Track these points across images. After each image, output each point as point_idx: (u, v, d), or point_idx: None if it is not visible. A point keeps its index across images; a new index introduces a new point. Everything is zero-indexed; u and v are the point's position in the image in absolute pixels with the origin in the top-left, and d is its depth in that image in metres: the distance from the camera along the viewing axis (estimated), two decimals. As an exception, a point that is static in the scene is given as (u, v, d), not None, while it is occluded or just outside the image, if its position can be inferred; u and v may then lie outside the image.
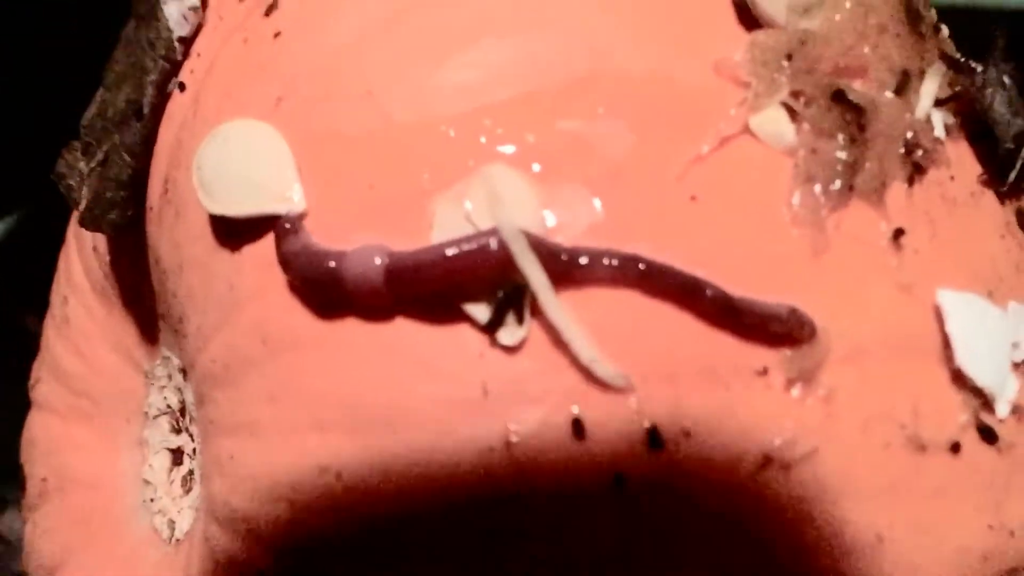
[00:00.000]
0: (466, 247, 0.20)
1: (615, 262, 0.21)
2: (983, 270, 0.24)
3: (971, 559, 0.23)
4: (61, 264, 0.35)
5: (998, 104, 0.27)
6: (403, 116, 0.23)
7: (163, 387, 0.31)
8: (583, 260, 0.21)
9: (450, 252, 0.20)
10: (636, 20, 0.24)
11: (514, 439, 0.21)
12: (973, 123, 0.26)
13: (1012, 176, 0.26)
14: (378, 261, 0.21)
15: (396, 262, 0.21)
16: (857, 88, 0.24)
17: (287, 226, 0.22)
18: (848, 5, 0.25)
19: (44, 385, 0.34)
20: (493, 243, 0.20)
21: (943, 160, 0.25)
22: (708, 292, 0.21)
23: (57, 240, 0.52)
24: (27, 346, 0.53)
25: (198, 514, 0.28)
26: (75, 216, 0.34)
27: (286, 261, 0.23)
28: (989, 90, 0.27)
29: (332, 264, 0.21)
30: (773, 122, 0.23)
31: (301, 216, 0.23)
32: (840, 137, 0.23)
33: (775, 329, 0.21)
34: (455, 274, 0.21)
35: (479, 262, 0.20)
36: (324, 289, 0.22)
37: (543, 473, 0.21)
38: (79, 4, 0.45)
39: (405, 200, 0.22)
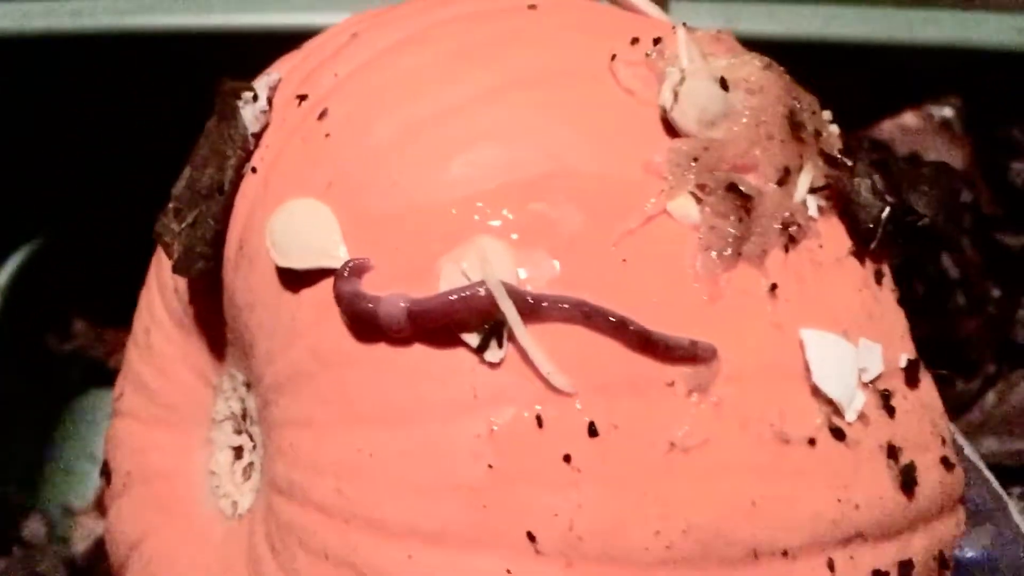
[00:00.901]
0: (464, 294, 0.28)
1: (566, 305, 0.28)
2: (840, 315, 0.31)
3: (823, 523, 0.28)
4: (143, 302, 0.41)
5: (864, 191, 0.34)
6: (420, 200, 0.30)
7: (228, 397, 0.37)
8: (544, 303, 0.28)
9: (453, 297, 0.28)
10: (585, 130, 0.30)
11: (495, 428, 0.28)
12: (843, 204, 0.33)
13: (872, 245, 0.34)
14: (402, 305, 0.28)
15: (415, 307, 0.28)
16: (749, 180, 0.31)
17: (345, 273, 0.29)
18: (744, 120, 0.31)
19: (127, 397, 0.40)
20: (482, 291, 0.28)
21: (814, 233, 0.31)
22: (631, 327, 0.28)
23: (71, 267, 0.55)
24: (46, 363, 0.56)
25: (258, 494, 0.34)
26: (155, 265, 0.40)
27: (339, 297, 0.29)
28: (856, 179, 0.34)
29: (370, 305, 0.29)
30: (684, 206, 0.30)
31: (353, 267, 0.29)
32: (732, 217, 0.30)
33: (679, 354, 0.28)
34: (456, 313, 0.28)
35: (473, 304, 0.28)
36: (363, 322, 0.29)
37: (515, 452, 0.28)
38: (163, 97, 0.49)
39: (420, 260, 0.29)
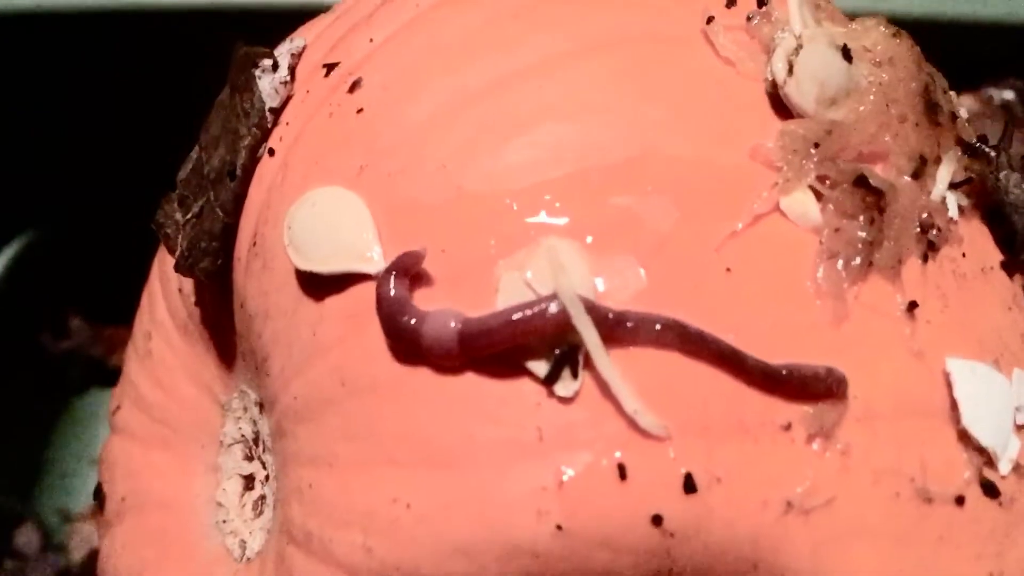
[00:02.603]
0: (529, 312, 0.23)
1: (659, 326, 0.23)
2: (990, 340, 0.26)
3: None
4: (144, 302, 0.37)
5: (1012, 187, 0.29)
6: (473, 188, 0.25)
7: (239, 418, 0.33)
8: (629, 323, 0.23)
9: (516, 316, 0.23)
10: (677, 107, 0.26)
11: (565, 479, 0.23)
12: (987, 203, 0.28)
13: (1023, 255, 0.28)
14: (453, 325, 0.23)
15: (468, 327, 0.23)
16: (878, 173, 0.26)
17: (391, 274, 0.24)
18: (871, 98, 0.27)
19: (124, 412, 0.36)
20: (553, 307, 0.23)
21: (956, 238, 0.27)
22: (748, 360, 0.23)
23: (67, 260, 0.54)
24: (42, 363, 0.55)
25: (270, 536, 0.30)
26: (159, 260, 0.37)
27: (380, 299, 0.25)
28: (1003, 173, 0.29)
29: (413, 322, 0.24)
30: (801, 203, 0.25)
31: (402, 264, 0.25)
32: (861, 218, 0.25)
33: (815, 388, 0.23)
34: (519, 336, 0.23)
35: (540, 325, 0.23)
36: (404, 340, 0.24)
37: (590, 510, 0.23)
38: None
39: (473, 265, 0.25)
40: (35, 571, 0.50)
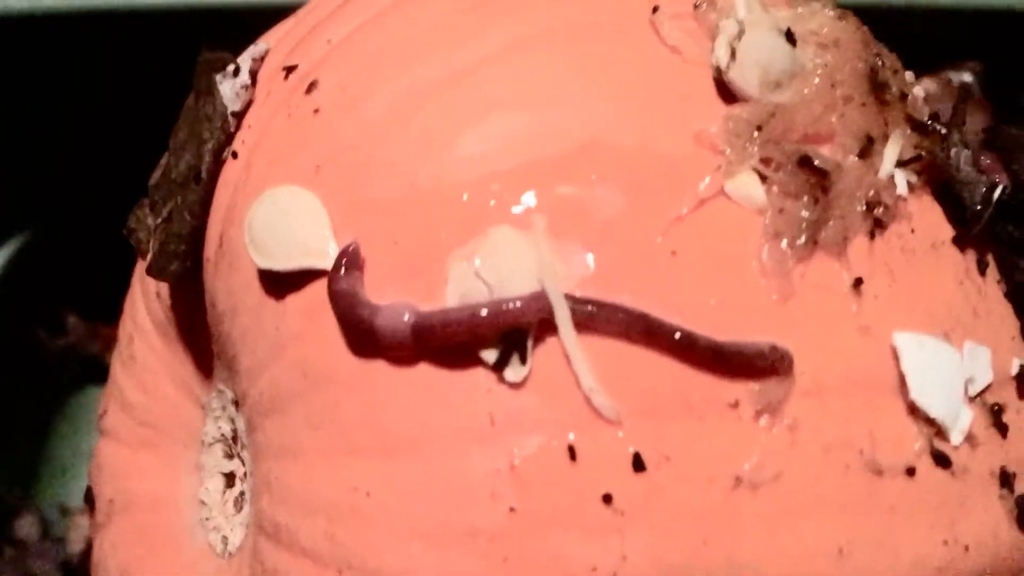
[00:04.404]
0: (492, 310, 0.23)
1: (622, 315, 0.23)
2: (940, 314, 0.26)
3: (926, 571, 0.24)
4: (126, 307, 0.37)
5: (963, 163, 0.29)
6: (424, 182, 0.26)
7: (217, 417, 0.33)
8: (596, 311, 0.23)
9: (483, 313, 0.23)
10: (623, 96, 0.26)
11: (517, 462, 0.23)
12: (938, 180, 0.28)
13: (975, 230, 0.29)
14: (406, 318, 0.24)
15: (422, 320, 0.24)
16: (824, 153, 0.26)
17: (341, 268, 0.25)
18: (816, 80, 0.27)
19: (111, 415, 0.37)
20: (517, 304, 0.23)
21: (904, 215, 0.27)
22: (701, 343, 0.23)
23: (64, 258, 0.54)
24: (38, 358, 0.55)
25: (248, 530, 0.30)
26: (139, 265, 0.37)
27: (335, 297, 0.25)
28: (954, 150, 0.29)
29: (366, 314, 0.24)
30: (745, 186, 0.25)
31: (351, 258, 0.25)
32: (805, 198, 0.25)
33: (760, 365, 0.24)
34: (478, 330, 0.23)
35: (503, 320, 0.23)
36: (359, 334, 0.25)
37: (542, 491, 0.23)
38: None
39: (425, 256, 0.25)
40: (35, 560, 0.51)
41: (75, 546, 0.52)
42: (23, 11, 0.47)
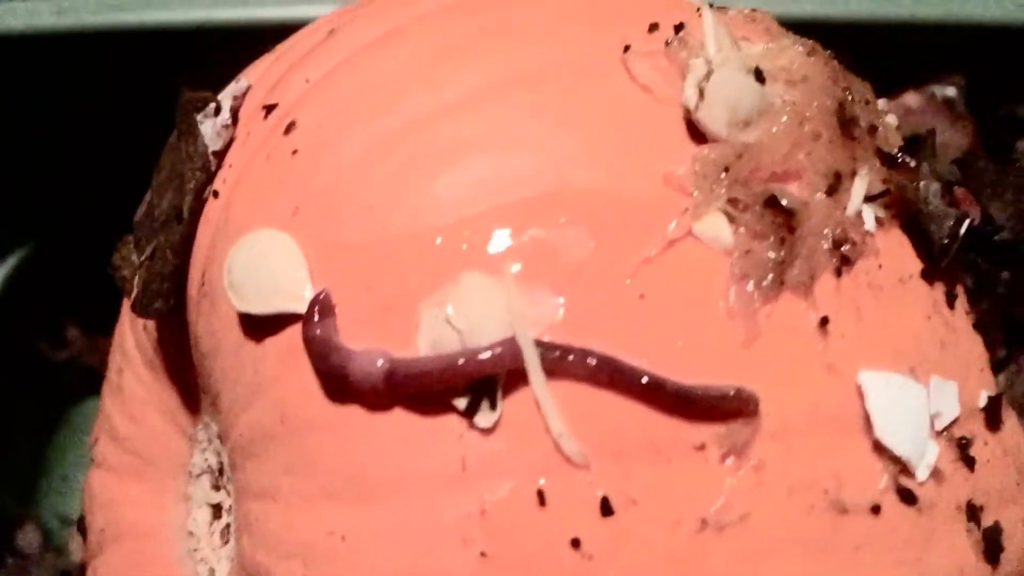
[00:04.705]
0: (468, 359, 0.23)
1: (593, 361, 0.24)
2: (906, 349, 0.26)
3: None
4: (116, 338, 0.38)
5: (932, 196, 0.29)
6: (397, 227, 0.26)
7: (204, 449, 0.34)
8: (570, 357, 0.24)
9: (457, 363, 0.23)
10: (593, 138, 0.26)
11: (487, 507, 0.23)
12: (906, 213, 0.28)
13: (943, 263, 0.29)
14: (380, 364, 0.24)
15: (395, 367, 0.24)
16: (792, 191, 0.26)
17: (314, 315, 0.25)
18: (784, 118, 0.27)
19: (101, 444, 0.37)
20: (488, 353, 0.24)
21: (871, 251, 0.27)
22: (668, 387, 0.24)
23: (65, 271, 0.54)
24: (39, 370, 0.56)
25: (233, 564, 0.31)
26: (127, 299, 0.38)
27: (309, 343, 0.25)
28: (923, 184, 0.29)
29: (339, 360, 0.25)
30: (713, 227, 0.25)
31: (323, 305, 0.25)
32: (771, 238, 0.25)
33: (726, 407, 0.24)
34: (451, 379, 0.24)
35: (478, 368, 0.23)
36: (333, 379, 0.25)
37: (512, 536, 0.23)
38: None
39: (396, 302, 0.25)
40: (36, 570, 0.51)
41: (75, 556, 0.52)
42: (25, 30, 0.48)
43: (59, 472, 0.57)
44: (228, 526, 0.33)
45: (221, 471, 0.33)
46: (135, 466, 0.36)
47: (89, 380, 0.56)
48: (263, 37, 0.36)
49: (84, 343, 0.58)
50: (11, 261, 0.56)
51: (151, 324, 0.34)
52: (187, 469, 0.35)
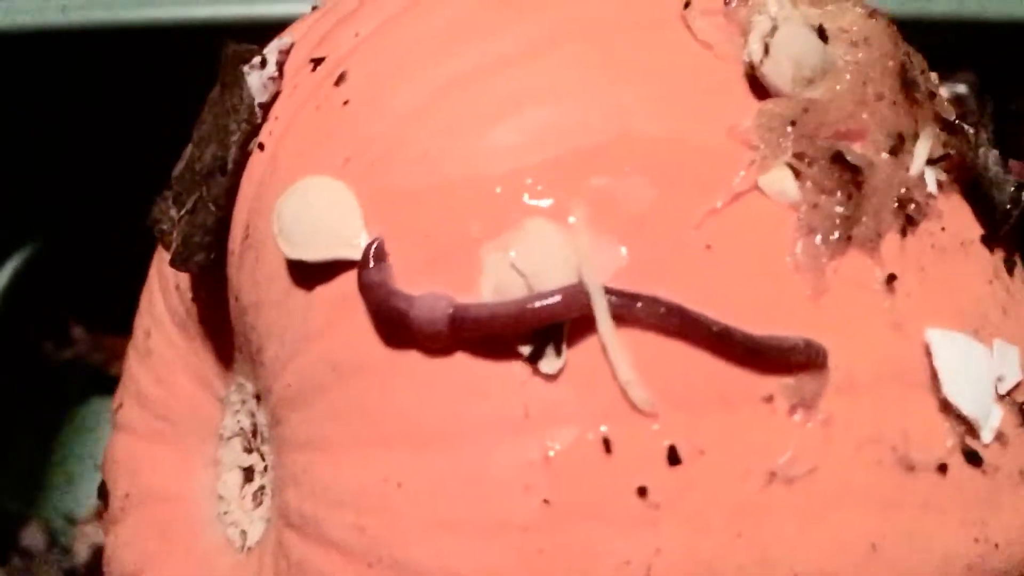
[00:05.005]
0: (536, 304, 0.23)
1: (663, 309, 0.23)
2: (970, 311, 0.26)
3: (957, 568, 0.24)
4: (143, 301, 0.37)
5: (991, 163, 0.29)
6: (455, 174, 0.25)
7: (236, 411, 0.33)
8: (638, 304, 0.23)
9: (536, 304, 0.23)
10: (655, 90, 0.26)
11: (551, 454, 0.23)
12: (966, 179, 0.28)
13: (1004, 229, 0.28)
14: (445, 309, 0.23)
15: (460, 312, 0.23)
16: (856, 150, 0.26)
17: (370, 260, 0.25)
18: (848, 77, 0.27)
19: (127, 409, 0.36)
20: (556, 298, 0.23)
21: (935, 213, 0.27)
22: (736, 337, 0.23)
23: (69, 270, 0.55)
24: (44, 369, 0.56)
25: (269, 524, 0.30)
26: (157, 258, 0.37)
27: (365, 289, 0.25)
28: (982, 150, 0.29)
29: (402, 305, 0.24)
30: (779, 181, 0.25)
31: (379, 250, 0.25)
32: (839, 194, 0.25)
33: (795, 359, 0.24)
34: (520, 323, 0.23)
35: (544, 314, 0.23)
36: (392, 324, 0.24)
37: (576, 484, 0.23)
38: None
39: (456, 248, 0.25)
40: (41, 569, 0.51)
41: (81, 555, 0.53)
42: (28, 27, 0.47)
43: (64, 471, 0.57)
44: (262, 488, 0.32)
45: (254, 433, 0.33)
46: (162, 430, 0.35)
47: (93, 379, 0.58)
48: (272, 34, 0.35)
49: (88, 342, 0.58)
50: (15, 260, 0.56)
51: (184, 284, 0.34)
52: (217, 432, 0.34)
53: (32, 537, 0.52)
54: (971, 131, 0.29)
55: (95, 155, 0.51)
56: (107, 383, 0.56)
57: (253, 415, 0.33)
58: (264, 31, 0.35)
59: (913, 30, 0.44)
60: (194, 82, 0.32)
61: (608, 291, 0.23)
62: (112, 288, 0.43)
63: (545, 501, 0.23)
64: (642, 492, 0.23)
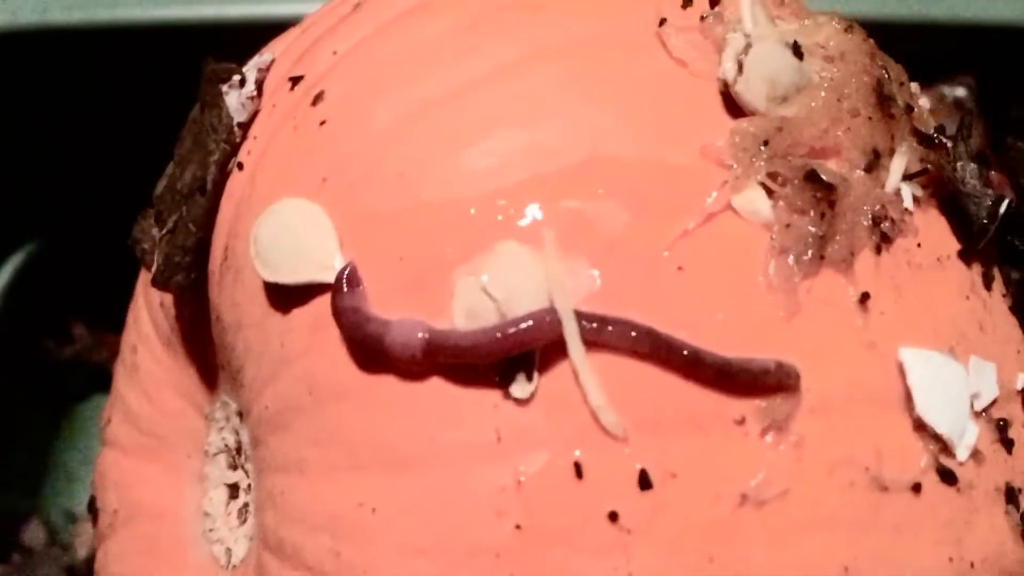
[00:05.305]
0: (524, 326, 0.23)
1: (634, 333, 0.23)
2: (945, 328, 0.26)
3: None
4: (130, 317, 0.37)
5: (969, 177, 0.29)
6: (430, 196, 0.25)
7: (221, 428, 0.33)
8: (609, 328, 0.23)
9: (510, 331, 0.23)
10: (629, 109, 0.26)
11: (523, 479, 0.23)
12: (944, 193, 0.28)
13: (981, 244, 0.28)
14: (420, 335, 0.24)
15: (435, 338, 0.24)
16: (831, 167, 0.26)
17: (343, 285, 0.25)
18: (823, 93, 0.27)
19: (114, 425, 0.36)
20: (528, 323, 0.23)
21: (911, 229, 0.27)
22: (708, 361, 0.23)
23: (71, 268, 0.55)
24: (45, 367, 0.56)
25: (252, 543, 0.30)
26: (143, 275, 0.37)
27: (338, 314, 0.25)
28: (959, 163, 0.28)
29: (375, 331, 0.24)
30: (752, 200, 0.25)
31: (351, 276, 0.25)
32: (812, 213, 0.25)
33: (767, 381, 0.24)
34: (495, 349, 0.23)
35: (518, 340, 0.23)
36: (367, 349, 0.24)
37: (548, 509, 0.23)
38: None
39: (430, 271, 0.25)
40: (42, 566, 0.51)
41: (81, 552, 0.52)
42: (30, 25, 0.47)
43: (64, 469, 0.57)
44: (246, 505, 0.32)
45: (239, 450, 0.33)
46: (149, 446, 0.35)
47: (95, 377, 0.58)
48: (274, 34, 0.36)
49: (90, 340, 0.58)
50: (17, 258, 0.56)
51: (168, 302, 0.34)
52: (203, 449, 0.34)
53: (32, 534, 0.52)
54: (950, 144, 0.29)
55: (97, 153, 0.51)
56: (108, 381, 0.56)
57: (237, 432, 0.33)
58: (268, 31, 0.36)
59: (912, 34, 0.44)
60: (197, 81, 0.32)
61: (579, 315, 0.23)
62: (113, 286, 0.43)
63: (517, 527, 0.23)
64: (613, 517, 0.23)
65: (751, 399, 0.24)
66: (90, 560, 0.52)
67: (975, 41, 0.45)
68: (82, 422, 0.58)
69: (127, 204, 0.38)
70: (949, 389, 0.25)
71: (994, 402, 0.26)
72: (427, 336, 0.24)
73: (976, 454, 0.25)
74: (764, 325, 0.24)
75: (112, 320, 0.55)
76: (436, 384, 0.24)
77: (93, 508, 0.37)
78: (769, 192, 0.25)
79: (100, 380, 0.57)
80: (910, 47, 0.37)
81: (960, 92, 0.44)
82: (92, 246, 0.54)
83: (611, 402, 0.23)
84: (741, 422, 0.24)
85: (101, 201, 0.51)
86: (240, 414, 0.32)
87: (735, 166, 0.25)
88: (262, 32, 0.36)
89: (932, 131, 0.29)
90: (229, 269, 0.29)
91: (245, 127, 0.31)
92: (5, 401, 0.54)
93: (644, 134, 0.26)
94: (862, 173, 0.27)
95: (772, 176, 0.26)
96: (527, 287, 0.24)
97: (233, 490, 0.33)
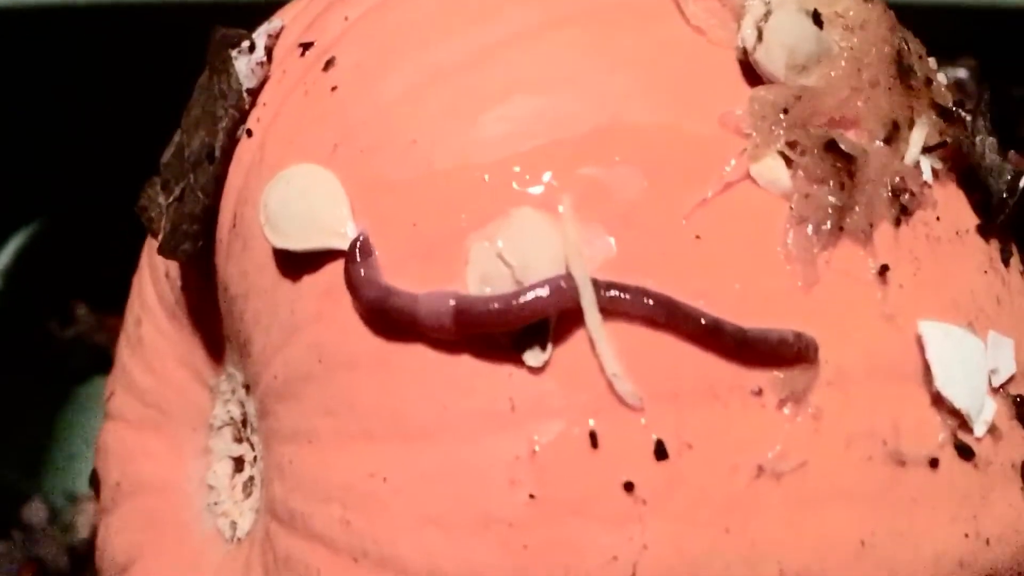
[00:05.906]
0: (537, 293, 0.23)
1: (650, 301, 0.23)
2: (964, 302, 0.26)
3: (948, 564, 0.24)
4: (134, 289, 0.37)
5: (988, 151, 0.28)
6: (443, 163, 0.25)
7: (227, 400, 0.33)
8: (625, 296, 0.23)
9: (523, 299, 0.23)
10: (646, 77, 0.26)
11: (537, 449, 0.23)
12: (963, 167, 0.28)
13: (1000, 219, 0.28)
14: (451, 304, 0.23)
15: (465, 306, 0.23)
16: (849, 138, 0.26)
17: (356, 254, 0.24)
18: (842, 63, 0.26)
19: (117, 398, 0.36)
20: (545, 290, 0.23)
21: (929, 202, 0.26)
22: (727, 330, 0.23)
23: (72, 249, 0.55)
24: (47, 348, 0.56)
25: (258, 515, 0.30)
26: (148, 246, 0.37)
27: (353, 285, 0.25)
28: (979, 138, 0.28)
29: (407, 303, 0.24)
30: (771, 170, 0.25)
31: (369, 247, 0.25)
32: (831, 183, 0.25)
33: (785, 352, 0.23)
34: (521, 318, 0.23)
35: (545, 305, 0.23)
36: (394, 322, 0.24)
37: (562, 479, 0.23)
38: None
39: (443, 238, 0.24)
40: (43, 545, 0.51)
41: (82, 532, 0.52)
42: (28, 4, 0.47)
43: (66, 450, 0.57)
44: (251, 478, 0.32)
45: (244, 423, 0.33)
46: (153, 419, 0.35)
47: (96, 358, 0.58)
48: (265, 14, 0.35)
49: (92, 321, 0.58)
50: (19, 239, 0.56)
51: (173, 273, 0.33)
52: (208, 422, 0.34)
53: (34, 513, 0.52)
54: (968, 118, 0.28)
55: (98, 133, 0.51)
56: (110, 362, 0.56)
57: (243, 404, 0.33)
58: (269, 10, 0.35)
59: (915, 15, 0.44)
60: (198, 60, 0.32)
61: (596, 283, 0.23)
62: (115, 267, 0.43)
63: (531, 496, 0.23)
64: (629, 487, 0.23)
65: (769, 370, 0.23)
66: (91, 540, 0.52)
67: (978, 22, 0.45)
68: (83, 403, 0.58)
69: (129, 187, 0.37)
70: (968, 364, 0.25)
71: (1011, 379, 0.26)
72: (456, 303, 0.23)
73: (993, 430, 0.25)
74: (782, 295, 0.24)
75: (114, 302, 0.55)
76: (448, 353, 0.24)
77: (95, 481, 0.37)
78: (788, 161, 0.25)
79: (102, 361, 0.57)
80: (912, 29, 0.37)
81: (961, 73, 0.44)
82: (94, 228, 0.54)
83: (627, 371, 0.23)
84: (759, 393, 0.23)
85: (103, 183, 0.51)
86: (246, 386, 0.32)
87: (754, 134, 0.25)
88: (265, 11, 0.36)
89: (951, 104, 0.28)
90: (238, 237, 0.29)
91: (254, 93, 0.30)
92: (7, 382, 0.54)
93: (662, 102, 0.26)
94: (881, 144, 0.26)
95: (791, 145, 0.25)
96: (543, 254, 0.23)
97: (238, 463, 0.33)
